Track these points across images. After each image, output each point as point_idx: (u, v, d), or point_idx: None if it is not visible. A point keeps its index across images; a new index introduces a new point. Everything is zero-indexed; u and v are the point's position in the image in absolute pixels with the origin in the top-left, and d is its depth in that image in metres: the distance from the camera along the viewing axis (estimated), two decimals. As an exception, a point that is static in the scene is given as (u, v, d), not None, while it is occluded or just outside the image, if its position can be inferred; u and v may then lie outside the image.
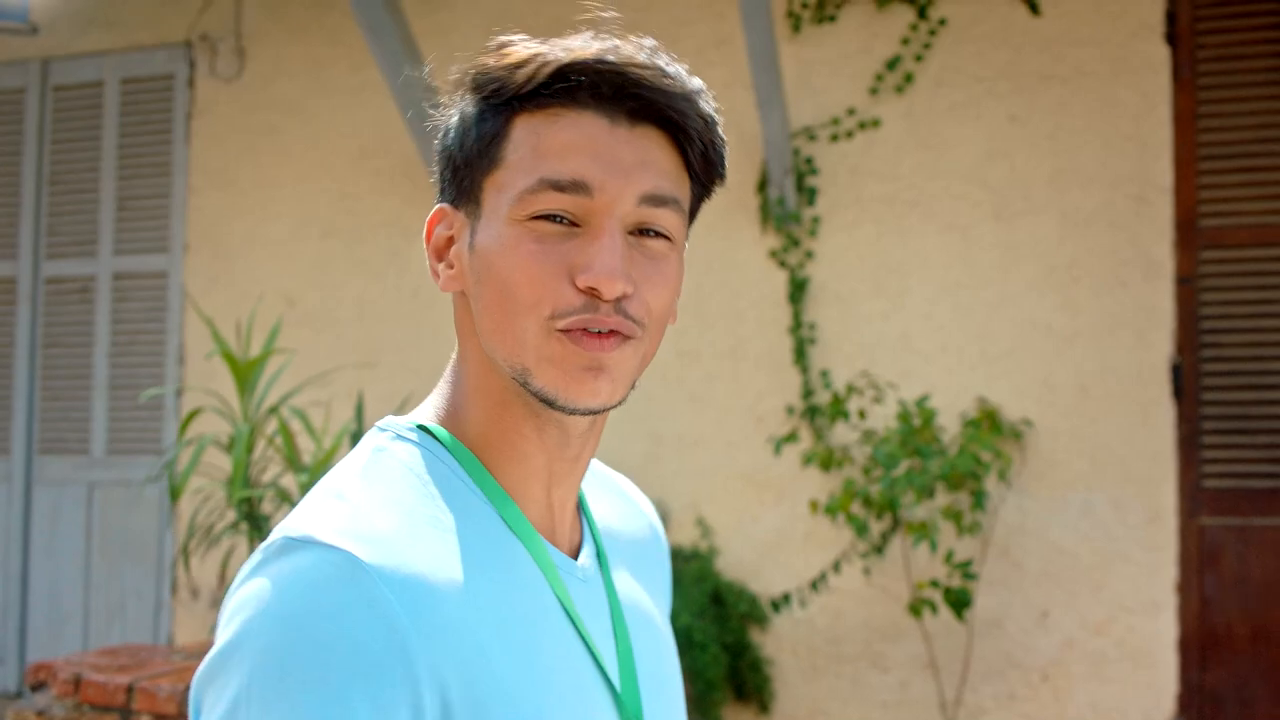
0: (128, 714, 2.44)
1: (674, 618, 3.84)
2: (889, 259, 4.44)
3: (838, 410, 4.19)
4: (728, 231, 4.51)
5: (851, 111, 4.47)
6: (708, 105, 0.90)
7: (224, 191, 5.30)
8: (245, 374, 3.23)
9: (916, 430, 4.01)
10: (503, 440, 0.91)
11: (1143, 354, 4.16)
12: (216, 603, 3.93)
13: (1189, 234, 4.16)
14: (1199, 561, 4.10)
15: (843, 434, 4.38)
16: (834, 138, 4.48)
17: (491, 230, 0.88)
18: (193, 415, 3.35)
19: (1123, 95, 4.23)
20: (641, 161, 0.87)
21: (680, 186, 0.91)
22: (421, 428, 0.93)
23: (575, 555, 0.97)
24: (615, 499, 1.09)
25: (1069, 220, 4.26)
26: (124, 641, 5.13)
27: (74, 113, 5.53)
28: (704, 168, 0.93)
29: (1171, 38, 4.20)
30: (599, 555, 0.99)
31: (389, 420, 0.94)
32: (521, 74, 0.87)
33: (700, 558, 4.43)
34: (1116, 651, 4.14)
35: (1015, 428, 4.18)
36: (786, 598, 4.33)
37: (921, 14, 4.40)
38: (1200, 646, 4.08)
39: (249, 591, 0.79)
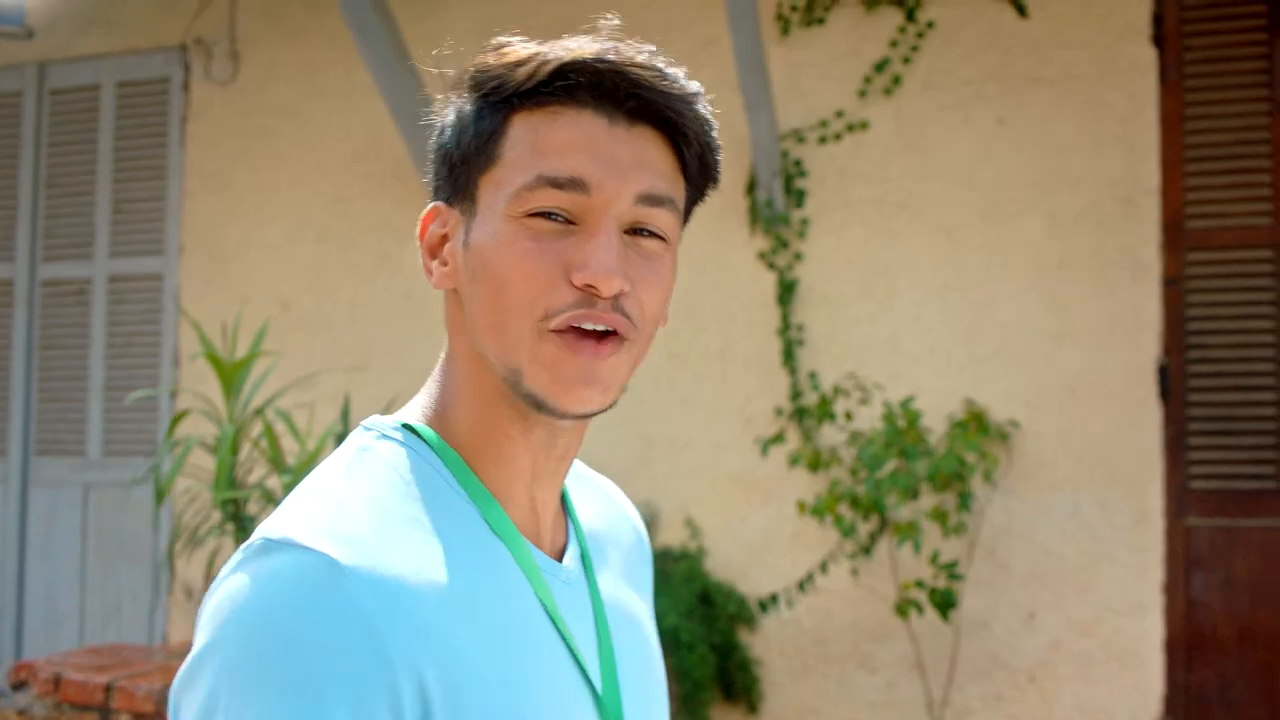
0: (106, 713, 2.47)
1: (662, 618, 3.86)
2: (877, 261, 4.45)
3: (824, 412, 4.21)
4: (717, 233, 4.52)
5: (840, 114, 4.49)
6: (705, 108, 0.92)
7: (219, 195, 5.33)
8: (230, 376, 3.25)
9: (901, 431, 4.02)
10: (489, 440, 0.91)
11: (1130, 355, 4.17)
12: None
13: (1176, 236, 4.17)
14: (1185, 562, 4.11)
15: (831, 435, 4.39)
16: (822, 140, 4.49)
17: (487, 227, 0.88)
18: (180, 417, 3.38)
19: (1110, 97, 4.24)
20: (639, 161, 0.88)
21: (676, 187, 0.91)
22: (407, 427, 0.93)
23: (559, 557, 0.97)
24: (600, 501, 1.09)
25: (1056, 222, 4.27)
26: (119, 642, 5.16)
27: (70, 116, 5.57)
28: (699, 170, 0.94)
29: (1158, 40, 4.21)
30: (583, 557, 0.99)
31: (374, 419, 0.94)
32: (521, 72, 0.88)
33: (689, 558, 4.45)
34: (1103, 652, 4.14)
35: (1002, 429, 4.19)
36: (774, 598, 4.34)
37: (910, 16, 4.42)
38: (1186, 647, 4.08)
39: (227, 592, 0.79)
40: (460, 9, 4.89)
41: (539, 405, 0.88)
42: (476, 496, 0.90)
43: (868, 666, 4.37)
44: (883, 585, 4.29)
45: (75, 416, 5.47)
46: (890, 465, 3.99)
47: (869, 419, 4.30)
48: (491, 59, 0.90)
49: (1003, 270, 4.31)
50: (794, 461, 4.20)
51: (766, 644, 4.47)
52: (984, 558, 4.23)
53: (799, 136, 4.51)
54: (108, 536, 5.35)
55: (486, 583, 0.86)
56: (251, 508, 3.27)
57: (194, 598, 5.00)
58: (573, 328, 0.86)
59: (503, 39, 0.92)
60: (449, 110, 0.93)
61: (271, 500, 3.19)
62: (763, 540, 4.49)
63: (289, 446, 3.77)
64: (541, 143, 0.87)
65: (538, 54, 0.88)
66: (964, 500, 3.96)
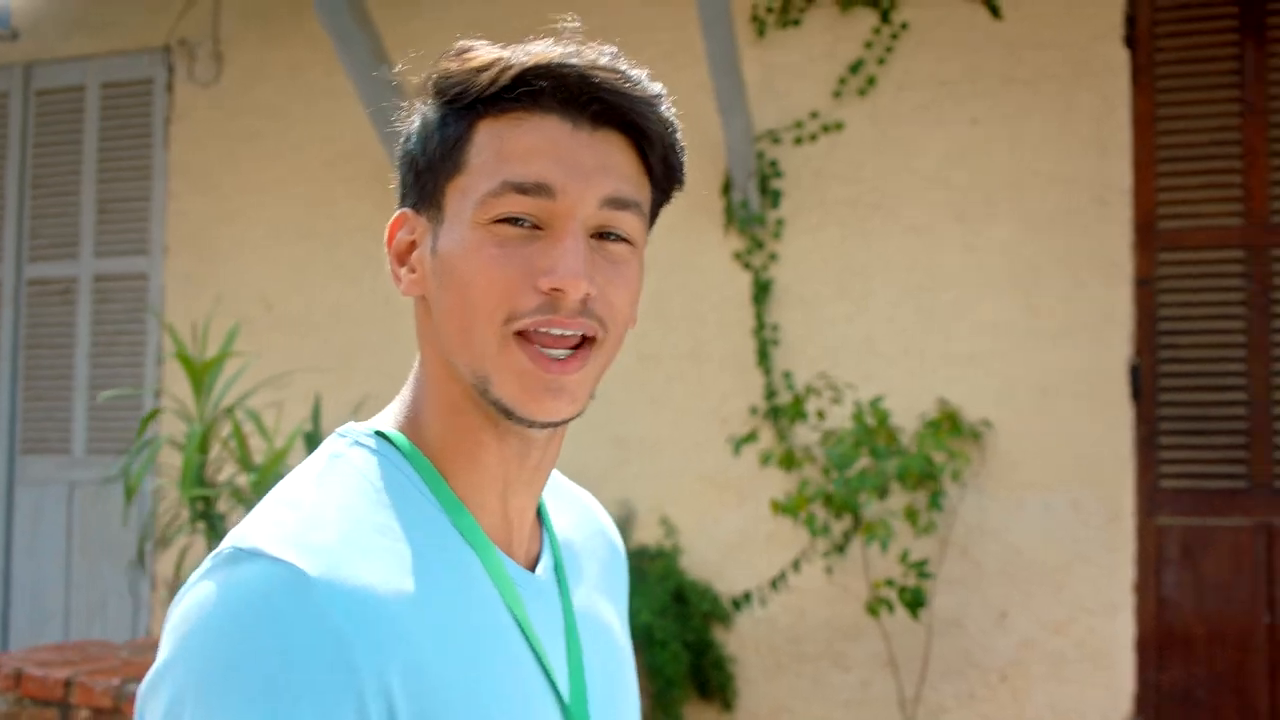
0: (66, 708, 2.50)
1: (636, 616, 3.88)
2: (852, 261, 4.47)
3: (797, 411, 4.23)
4: (691, 234, 4.55)
5: (815, 114, 4.51)
6: (668, 110, 0.92)
7: (202, 195, 5.37)
8: (200, 376, 3.28)
9: (871, 430, 4.04)
10: (461, 448, 0.91)
11: (1102, 355, 4.19)
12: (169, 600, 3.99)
13: (1148, 236, 4.19)
14: (1156, 562, 4.12)
15: (805, 435, 4.42)
16: (798, 141, 4.51)
17: (454, 234, 0.88)
18: (150, 416, 3.41)
19: (1083, 98, 4.26)
20: (603, 165, 0.88)
21: (641, 190, 0.92)
22: (380, 434, 0.93)
23: (533, 566, 0.97)
24: (577, 513, 1.09)
25: (1030, 222, 4.29)
26: (103, 639, 5.20)
27: (56, 117, 5.61)
28: (664, 172, 0.94)
29: (1131, 41, 4.23)
30: (556, 567, 0.99)
31: (349, 426, 0.94)
32: (484, 78, 0.88)
33: (664, 556, 4.48)
34: (1075, 652, 4.16)
35: (975, 428, 4.21)
36: (747, 596, 4.37)
37: (884, 18, 4.44)
38: (1157, 647, 4.10)
39: (195, 600, 0.79)
40: (440, 14, 4.92)
41: (507, 413, 0.88)
42: (447, 504, 0.90)
43: (841, 665, 4.39)
44: (856, 584, 4.32)
45: (60, 415, 5.50)
46: (860, 464, 4.01)
47: (842, 418, 4.33)
48: (454, 65, 0.90)
49: (976, 270, 4.33)
50: (765, 460, 4.22)
51: (741, 642, 4.49)
52: (956, 557, 4.25)
53: (775, 137, 4.53)
54: (92, 534, 5.38)
55: (456, 591, 0.86)
56: (221, 506, 3.29)
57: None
58: (538, 336, 0.87)
59: (465, 43, 0.92)
60: (414, 117, 0.94)
61: (240, 499, 3.22)
62: (738, 539, 4.51)
63: (260, 445, 3.80)
64: (506, 149, 0.87)
65: (500, 59, 0.88)
66: (935, 499, 3.99)
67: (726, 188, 4.54)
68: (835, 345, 4.46)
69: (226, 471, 3.45)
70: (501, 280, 0.86)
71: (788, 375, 4.46)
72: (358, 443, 0.92)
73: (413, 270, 0.93)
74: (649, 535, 4.59)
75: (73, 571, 5.42)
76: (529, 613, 0.91)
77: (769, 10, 4.56)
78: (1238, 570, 4.06)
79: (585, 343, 0.89)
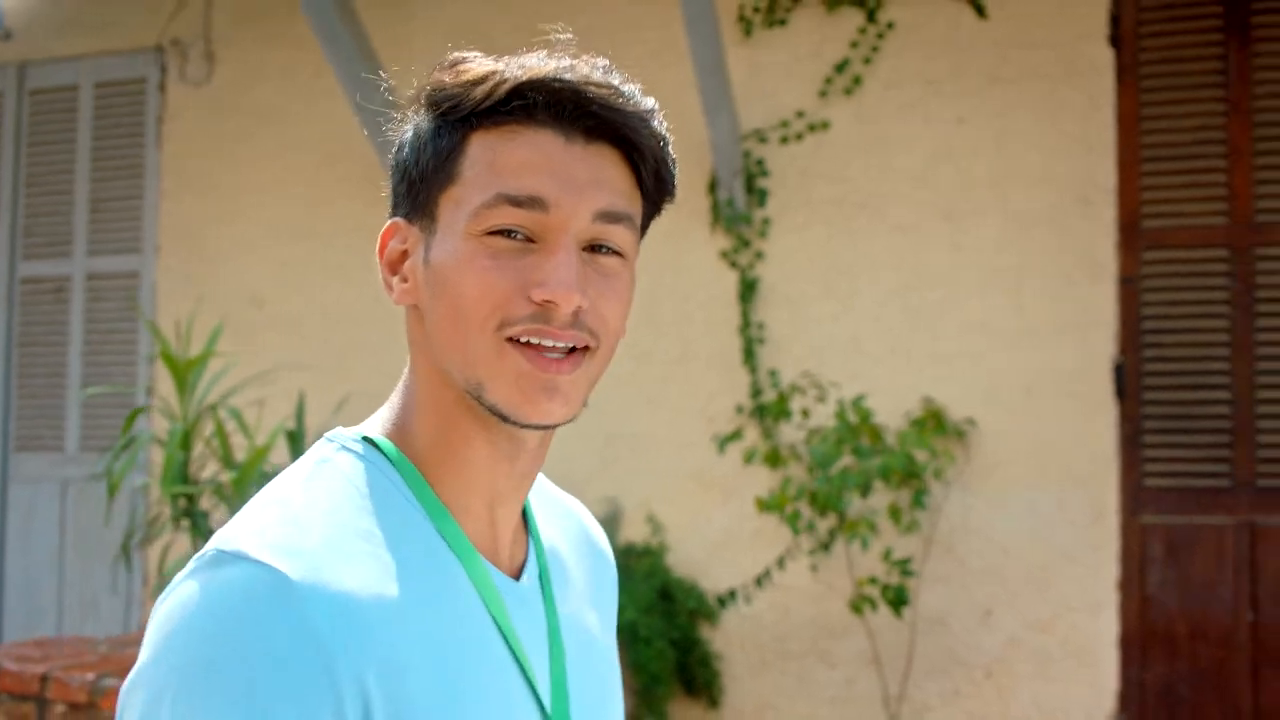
0: (43, 702, 2.53)
1: (621, 613, 3.90)
2: (838, 260, 4.48)
3: (781, 410, 4.24)
4: (678, 232, 4.56)
5: (801, 114, 4.52)
6: (660, 124, 0.93)
7: (194, 194, 5.39)
8: (183, 374, 3.30)
9: (854, 428, 4.05)
10: (449, 455, 0.92)
11: (1086, 354, 4.20)
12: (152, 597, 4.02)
13: (1132, 235, 4.20)
14: (1140, 560, 4.13)
15: (791, 434, 4.43)
16: (784, 140, 4.53)
17: (447, 245, 0.89)
18: (135, 415, 3.43)
19: (1068, 97, 4.26)
20: (596, 179, 0.89)
21: (633, 203, 0.93)
22: (368, 440, 0.94)
23: (518, 573, 0.98)
24: (565, 521, 1.10)
25: (1015, 221, 4.30)
26: (94, 635, 5.23)
27: (50, 116, 5.64)
28: (655, 185, 0.95)
29: (1116, 40, 4.24)
30: (542, 575, 1.00)
31: (337, 431, 0.95)
32: (479, 91, 0.89)
33: (651, 554, 4.49)
34: (1060, 649, 4.17)
35: (959, 427, 4.22)
36: (732, 594, 4.38)
37: (870, 17, 4.45)
38: (1141, 644, 4.11)
39: (178, 600, 0.80)
40: (427, 16, 4.94)
41: (503, 417, 0.89)
42: (432, 511, 0.91)
43: (827, 662, 4.40)
44: (841, 582, 4.33)
45: (53, 412, 5.53)
46: (842, 462, 4.03)
47: (827, 417, 4.34)
48: (448, 77, 0.91)
49: (962, 270, 4.34)
50: (749, 459, 4.24)
51: (727, 639, 4.51)
52: (942, 555, 4.26)
53: (761, 136, 4.54)
54: (85, 531, 5.41)
55: (437, 596, 0.87)
56: (204, 503, 3.31)
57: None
58: (532, 344, 0.88)
59: (458, 55, 0.92)
60: (407, 127, 0.95)
61: (222, 496, 3.24)
62: (724, 537, 4.53)
63: (244, 443, 3.82)
64: (500, 161, 0.88)
65: (494, 73, 0.89)
66: (918, 498, 4.00)
67: (713, 187, 4.56)
68: (821, 344, 4.47)
69: (210, 469, 3.47)
70: (494, 291, 0.87)
71: (773, 374, 4.47)
72: (345, 448, 0.93)
73: (405, 279, 0.94)
74: (636, 533, 4.61)
75: (65, 568, 5.45)
76: (512, 620, 0.92)
77: (756, 10, 4.57)
78: (1221, 568, 4.06)
79: (576, 352, 0.90)
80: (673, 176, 0.96)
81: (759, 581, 4.32)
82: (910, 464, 3.92)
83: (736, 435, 4.28)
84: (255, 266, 5.25)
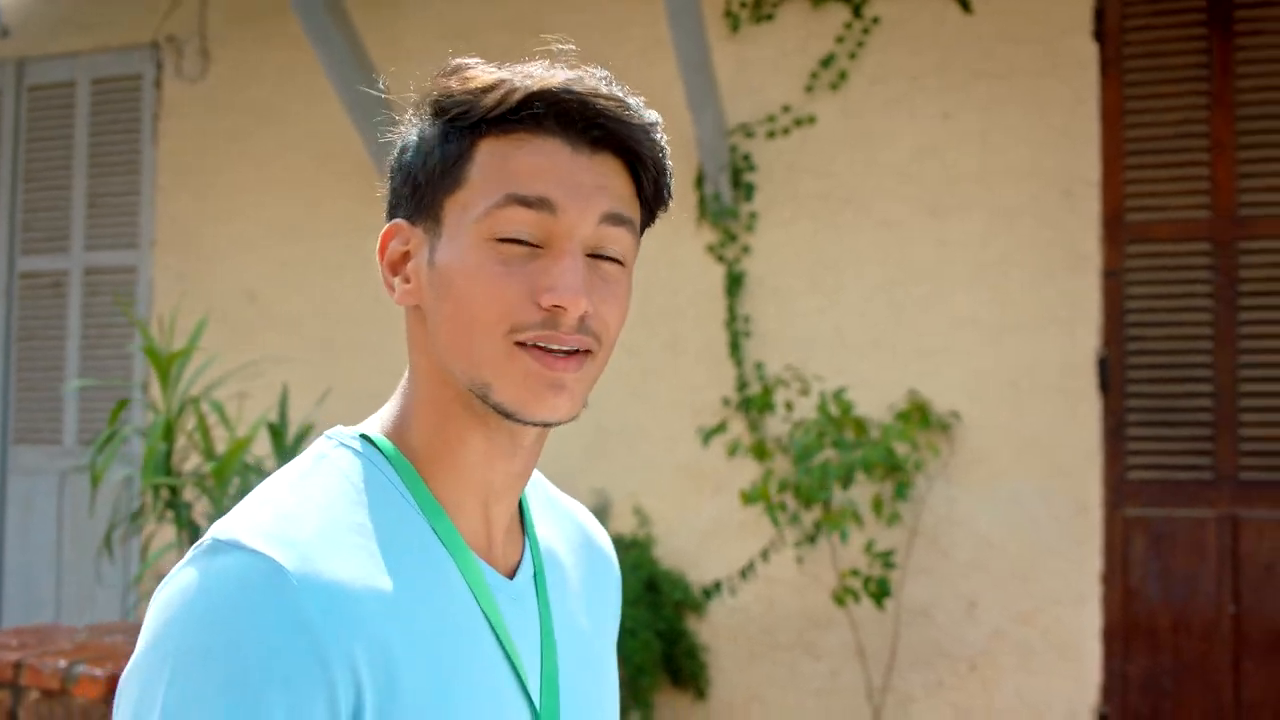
0: (17, 689, 2.57)
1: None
2: (824, 255, 4.50)
3: (765, 403, 4.27)
4: (665, 227, 4.55)
5: (787, 109, 4.54)
6: (661, 136, 0.96)
7: (190, 190, 5.44)
8: (166, 367, 3.34)
9: (836, 421, 4.07)
10: (446, 453, 0.94)
11: (1070, 347, 4.21)
12: (143, 593, 4.06)
13: (1116, 228, 4.20)
14: (1123, 553, 4.15)
15: (777, 426, 4.45)
16: (771, 134, 4.55)
17: (454, 249, 0.91)
18: (120, 407, 3.47)
19: (1053, 91, 4.27)
20: (600, 186, 0.92)
21: (634, 210, 0.96)
22: (365, 438, 0.96)
23: (512, 572, 0.99)
24: (566, 525, 1.12)
25: (999, 215, 4.31)
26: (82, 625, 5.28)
27: (47, 112, 5.69)
28: (654, 193, 0.98)
29: (1099, 34, 4.24)
30: (536, 575, 1.01)
31: (337, 429, 0.98)
32: (489, 99, 0.91)
33: (638, 546, 4.53)
34: (1043, 642, 4.19)
35: (944, 420, 4.24)
36: (717, 586, 4.41)
37: (856, 12, 4.46)
38: (1124, 637, 4.13)
39: (176, 588, 0.83)
40: (418, 15, 4.96)
41: (509, 415, 0.92)
42: (427, 508, 0.93)
43: (812, 653, 4.43)
44: (827, 574, 4.35)
45: (51, 405, 5.59)
46: (824, 455, 4.05)
47: (811, 409, 4.36)
48: (455, 84, 0.93)
49: (947, 264, 4.36)
50: (732, 451, 4.26)
51: (714, 631, 4.54)
52: (926, 547, 4.28)
53: (748, 131, 4.56)
54: (83, 523, 5.46)
55: (429, 592, 0.89)
56: (187, 494, 3.36)
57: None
58: (539, 347, 0.90)
59: (461, 62, 0.95)
60: (410, 131, 0.96)
61: (204, 488, 3.28)
62: (712, 529, 4.56)
63: (226, 436, 3.86)
64: (509, 167, 0.91)
65: (504, 81, 0.92)
66: (899, 490, 4.02)
67: (699, 181, 4.58)
68: (807, 337, 4.49)
69: (193, 461, 3.51)
70: (504, 296, 0.90)
71: (759, 367, 4.50)
72: (343, 445, 0.95)
73: (407, 280, 0.96)
74: (623, 525, 4.64)
75: (64, 559, 5.51)
76: (504, 617, 0.94)
77: (742, 5, 4.59)
78: (1203, 561, 4.08)
79: (580, 354, 0.92)
80: (669, 186, 0.99)
81: (743, 574, 4.35)
82: (891, 457, 3.94)
83: (721, 428, 4.30)
84: (250, 263, 5.29)
